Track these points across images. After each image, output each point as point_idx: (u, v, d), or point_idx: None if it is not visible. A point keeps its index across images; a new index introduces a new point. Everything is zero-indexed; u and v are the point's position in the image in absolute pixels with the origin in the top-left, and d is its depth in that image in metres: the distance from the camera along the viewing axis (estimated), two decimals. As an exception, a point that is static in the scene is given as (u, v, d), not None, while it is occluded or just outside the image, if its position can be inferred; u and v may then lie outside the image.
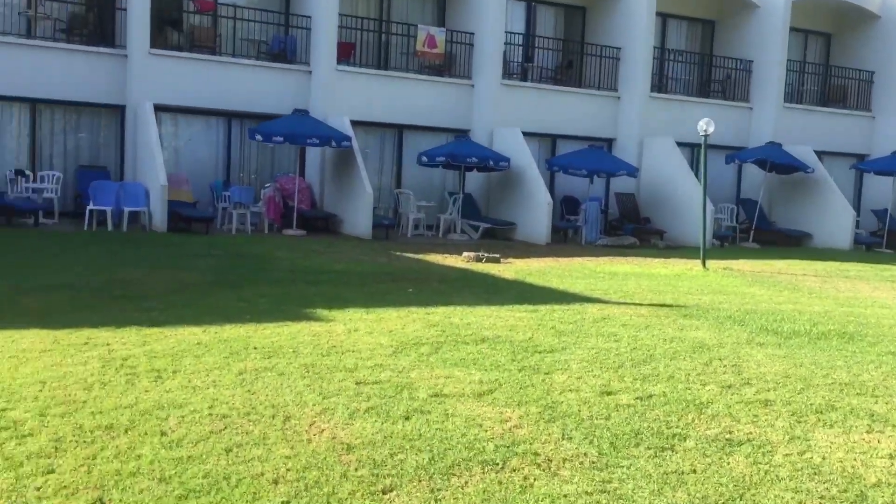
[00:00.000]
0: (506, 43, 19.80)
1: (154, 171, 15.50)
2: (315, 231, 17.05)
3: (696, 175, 19.20)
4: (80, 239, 13.73)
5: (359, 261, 12.82)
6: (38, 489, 3.63)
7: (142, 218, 15.72)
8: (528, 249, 16.30)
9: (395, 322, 7.71)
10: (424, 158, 18.07)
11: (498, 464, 4.26)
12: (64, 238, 13.68)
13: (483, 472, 4.13)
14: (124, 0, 16.93)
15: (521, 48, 21.05)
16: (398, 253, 14.26)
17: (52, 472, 3.82)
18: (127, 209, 15.41)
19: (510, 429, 4.81)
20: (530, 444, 4.58)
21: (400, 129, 19.39)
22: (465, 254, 14.06)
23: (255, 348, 6.35)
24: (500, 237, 18.41)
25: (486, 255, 13.82)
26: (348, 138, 16.93)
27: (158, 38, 17.26)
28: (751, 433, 4.96)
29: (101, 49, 16.87)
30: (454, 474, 4.10)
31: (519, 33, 20.80)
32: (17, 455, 3.97)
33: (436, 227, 18.62)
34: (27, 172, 16.26)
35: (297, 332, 7.05)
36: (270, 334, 6.88)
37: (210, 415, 4.72)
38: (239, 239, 15.27)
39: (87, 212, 15.13)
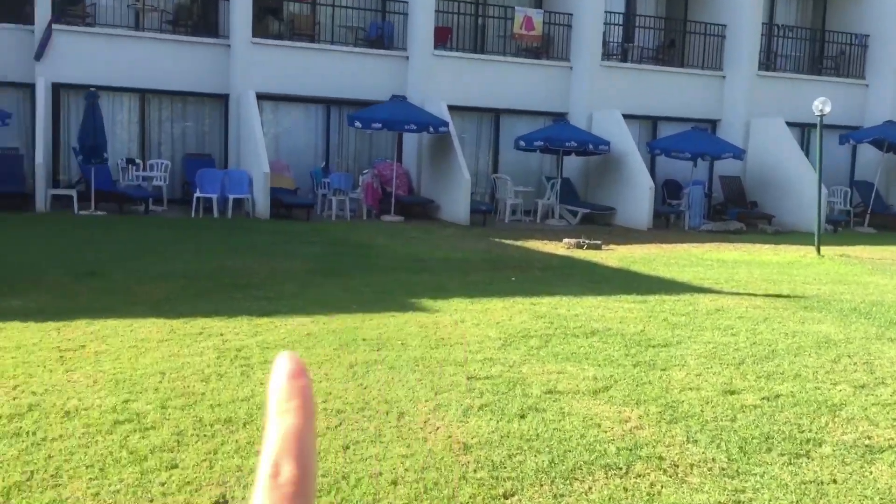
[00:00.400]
0: (605, 23, 19.31)
1: (257, 159, 15.78)
2: (412, 217, 17.05)
3: (807, 156, 18.36)
4: (188, 226, 14.11)
5: (458, 248, 12.74)
6: (163, 484, 3.65)
7: (245, 205, 16.04)
8: (630, 235, 15.90)
9: (502, 313, 7.58)
10: (522, 143, 17.83)
11: (621, 468, 4.08)
12: (173, 225, 14.08)
13: (607, 478, 3.96)
14: (227, -10, 17.26)
15: (620, 28, 20.48)
16: (497, 239, 14.11)
17: (176, 466, 3.84)
18: (231, 196, 15.74)
19: (631, 430, 4.62)
20: (653, 447, 4.38)
21: (496, 114, 19.18)
22: (565, 240, 13.80)
23: (364, 340, 6.33)
24: (600, 223, 18.02)
25: (586, 241, 13.53)
26: (445, 123, 16.84)
27: (259, 27, 17.53)
28: (892, 439, 4.62)
29: (206, 39, 17.25)
30: (576, 479, 3.94)
31: (619, 13, 20.22)
32: (142, 448, 4.02)
33: (533, 213, 18.38)
34: (137, 161, 16.80)
35: (403, 323, 7.00)
36: (377, 325, 6.85)
37: (325, 409, 4.70)
38: (339, 225, 15.42)
39: (194, 199, 15.53)
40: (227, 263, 10.02)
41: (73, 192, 15.29)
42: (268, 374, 5.14)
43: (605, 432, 4.56)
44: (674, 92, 19.85)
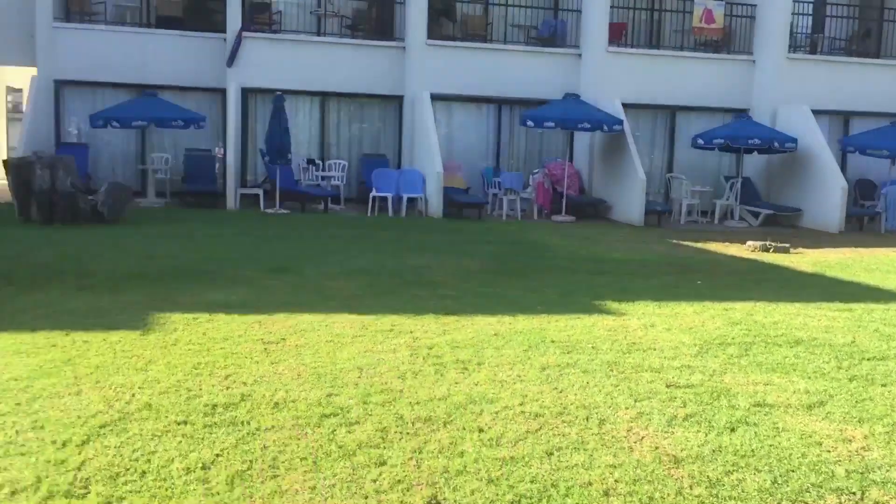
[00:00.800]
0: (792, 13, 18.21)
1: (431, 159, 16.00)
2: (584, 217, 16.77)
3: None
4: (365, 224, 14.49)
5: (635, 249, 12.36)
6: (375, 481, 3.66)
7: (419, 204, 16.30)
8: (819, 238, 14.91)
9: (693, 318, 7.23)
10: (700, 141, 17.11)
11: (854, 493, 3.73)
12: (352, 223, 14.50)
13: (840, 503, 3.63)
14: (403, -6, 17.61)
15: (809, 18, 19.26)
16: (675, 241, 13.60)
17: (384, 463, 3.85)
18: (405, 195, 16.04)
19: (857, 451, 4.23)
20: (887, 471, 3.98)
21: (672, 111, 18.52)
22: (748, 243, 13.12)
23: (553, 342, 6.19)
24: (784, 224, 17.04)
25: (773, 244, 12.79)
26: (620, 122, 16.44)
27: (433, 29, 17.76)
28: None
29: (382, 42, 17.66)
30: (805, 502, 3.63)
31: (808, 2, 19.01)
32: (349, 443, 4.06)
33: (710, 214, 17.61)
34: (317, 161, 17.45)
35: (591, 325, 6.81)
36: (564, 327, 6.69)
37: (523, 412, 4.60)
38: (511, 225, 15.37)
39: (371, 198, 15.94)
40: (407, 261, 10.17)
41: (260, 192, 16.07)
42: (460, 374, 5.10)
43: (829, 452, 4.20)
44: (868, 85, 18.45)
